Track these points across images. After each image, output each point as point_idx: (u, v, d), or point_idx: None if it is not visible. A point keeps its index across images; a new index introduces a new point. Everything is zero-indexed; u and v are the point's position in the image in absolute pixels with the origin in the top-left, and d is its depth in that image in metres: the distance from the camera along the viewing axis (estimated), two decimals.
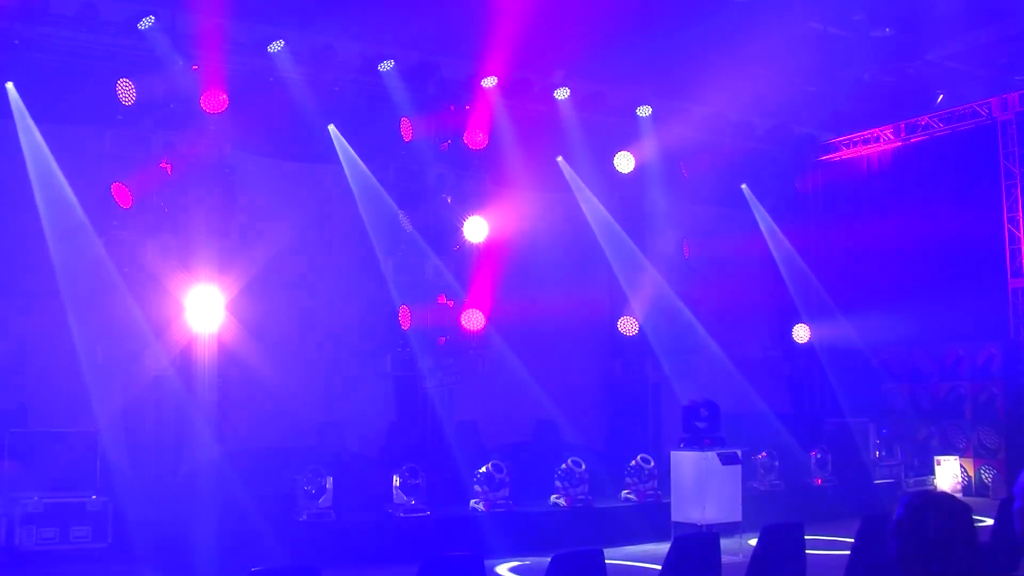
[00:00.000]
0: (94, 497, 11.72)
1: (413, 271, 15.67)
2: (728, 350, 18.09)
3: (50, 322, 13.10)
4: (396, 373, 15.56)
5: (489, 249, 15.97)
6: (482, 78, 15.75)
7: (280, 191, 14.66)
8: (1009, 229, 17.17)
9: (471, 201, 15.98)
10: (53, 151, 13.09)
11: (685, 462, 13.29)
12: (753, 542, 8.30)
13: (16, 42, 12.72)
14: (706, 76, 16.20)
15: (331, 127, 15.07)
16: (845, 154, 19.98)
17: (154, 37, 13.29)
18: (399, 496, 12.76)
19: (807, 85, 17.65)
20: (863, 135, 19.50)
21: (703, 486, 12.81)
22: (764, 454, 15.79)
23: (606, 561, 6.88)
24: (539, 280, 16.34)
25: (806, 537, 8.17)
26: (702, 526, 12.44)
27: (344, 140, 15.15)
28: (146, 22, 13.18)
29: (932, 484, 17.60)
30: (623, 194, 17.66)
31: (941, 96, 18.57)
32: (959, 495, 16.40)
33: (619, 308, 17.34)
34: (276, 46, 14.20)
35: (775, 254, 19.46)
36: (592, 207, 17.28)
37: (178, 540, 11.33)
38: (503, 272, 16.09)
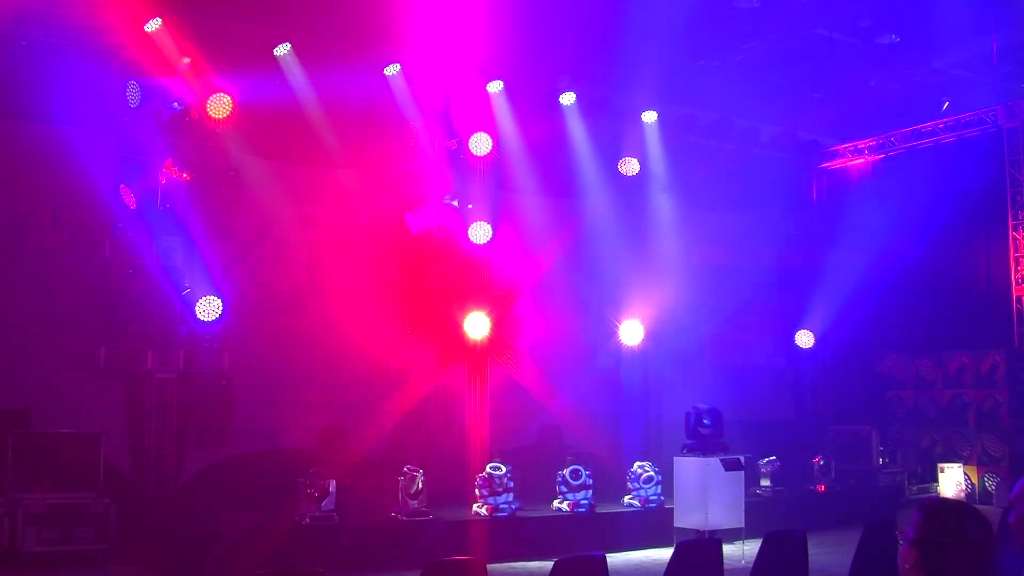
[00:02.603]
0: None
1: (418, 275, 15.67)
2: (731, 356, 18.07)
3: (54, 323, 13.13)
4: (400, 377, 15.56)
5: (493, 252, 15.97)
6: (487, 82, 15.77)
7: (284, 193, 14.67)
8: (1014, 237, 17.15)
9: (476, 205, 15.98)
10: (59, 152, 13.10)
11: (688, 468, 13.29)
12: (755, 548, 8.28)
13: (23, 44, 12.75)
14: (711, 82, 16.21)
15: (338, 126, 15.09)
16: (850, 160, 19.96)
17: (161, 39, 13.33)
18: (402, 499, 12.76)
19: (813, 91, 17.64)
20: (868, 142, 19.48)
21: (706, 492, 12.80)
22: (767, 460, 15.77)
23: (608, 566, 6.87)
24: (544, 285, 16.34)
25: (808, 544, 8.16)
26: (705, 532, 12.43)
27: (352, 142, 15.16)
28: (153, 24, 13.22)
29: (936, 491, 17.57)
30: (628, 199, 17.64)
31: (947, 103, 18.54)
32: None
33: (624, 314, 17.35)
34: (282, 49, 14.23)
35: (779, 260, 19.44)
36: (598, 212, 17.27)
37: (180, 542, 11.33)
38: (508, 277, 16.10)
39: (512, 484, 13.52)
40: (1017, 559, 3.52)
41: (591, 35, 14.75)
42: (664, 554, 9.79)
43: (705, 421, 14.05)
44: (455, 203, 15.90)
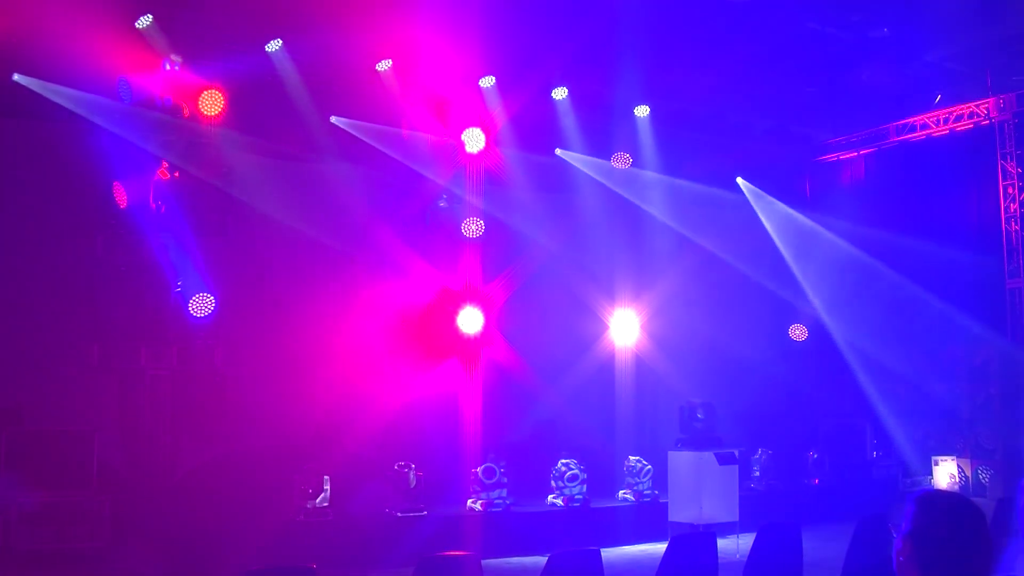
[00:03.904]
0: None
1: (411, 272, 15.66)
2: (725, 349, 18.11)
3: (47, 321, 13.10)
4: (394, 372, 15.55)
5: (487, 249, 15.98)
6: (480, 78, 15.75)
7: (277, 190, 14.63)
8: (1006, 230, 17.18)
9: (470, 201, 15.98)
10: (51, 150, 13.07)
11: (682, 462, 13.31)
12: (750, 542, 8.30)
13: (14, 42, 12.68)
14: (704, 76, 16.20)
15: (331, 122, 15.07)
16: (843, 154, 19.98)
17: (152, 36, 13.28)
18: (397, 495, 12.76)
19: (805, 85, 17.64)
20: (861, 135, 19.50)
21: (700, 486, 12.83)
22: (761, 454, 15.79)
23: (603, 561, 6.89)
24: (537, 280, 16.34)
25: (803, 537, 8.18)
26: (699, 526, 12.46)
27: (344, 138, 15.14)
28: (144, 21, 13.17)
29: (930, 484, 17.60)
30: (621, 193, 17.65)
31: (939, 97, 18.55)
32: None
33: (617, 308, 17.36)
34: (274, 45, 14.20)
35: (772, 254, 19.46)
36: (590, 206, 17.27)
37: (175, 539, 11.32)
38: (501, 272, 16.11)
39: (506, 479, 13.53)
40: (1014, 552, 3.52)
41: (583, 30, 14.72)
42: (659, 548, 9.81)
43: (699, 415, 14.09)
44: (457, 203, 15.94)
